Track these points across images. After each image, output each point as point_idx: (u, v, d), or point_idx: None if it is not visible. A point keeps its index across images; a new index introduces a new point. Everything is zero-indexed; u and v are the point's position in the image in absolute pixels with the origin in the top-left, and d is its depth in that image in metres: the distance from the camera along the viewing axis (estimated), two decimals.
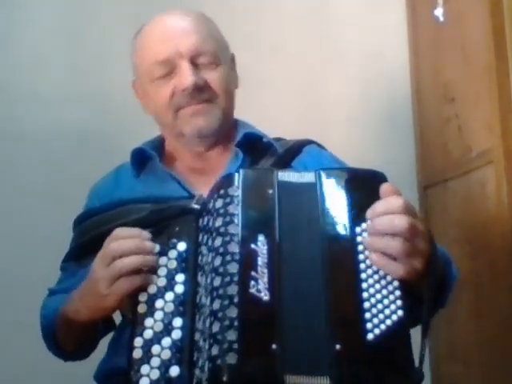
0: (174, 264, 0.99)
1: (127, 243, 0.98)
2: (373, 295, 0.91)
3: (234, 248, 0.91)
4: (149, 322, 0.95)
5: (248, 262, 0.90)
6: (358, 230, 0.95)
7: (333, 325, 0.88)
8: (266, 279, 0.89)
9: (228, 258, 0.91)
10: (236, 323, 0.86)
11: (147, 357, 0.92)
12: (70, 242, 1.25)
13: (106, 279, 0.98)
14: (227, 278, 0.89)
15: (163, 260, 0.99)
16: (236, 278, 0.89)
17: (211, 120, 1.21)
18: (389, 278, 0.92)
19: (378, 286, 0.92)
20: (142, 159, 1.28)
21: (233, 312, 0.87)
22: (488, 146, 1.67)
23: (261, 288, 0.88)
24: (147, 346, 0.93)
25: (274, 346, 0.85)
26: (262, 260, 0.90)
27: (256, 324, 0.87)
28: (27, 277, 1.73)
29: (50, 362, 1.26)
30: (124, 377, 0.93)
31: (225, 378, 0.83)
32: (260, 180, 0.99)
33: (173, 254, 1.00)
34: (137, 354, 0.93)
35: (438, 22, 1.88)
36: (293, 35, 2.00)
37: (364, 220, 0.95)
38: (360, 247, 0.94)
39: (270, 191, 0.97)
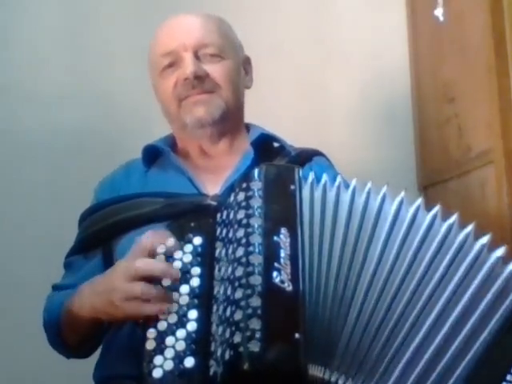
0: (189, 258, 0.99)
1: (155, 266, 0.98)
2: None
3: (257, 239, 0.92)
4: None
5: (271, 253, 0.91)
6: None
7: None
8: (289, 270, 0.89)
9: (251, 248, 0.91)
10: (259, 312, 0.86)
11: (161, 348, 0.92)
12: (76, 236, 1.24)
13: (122, 293, 0.98)
14: (250, 268, 0.89)
15: (178, 254, 0.99)
16: (259, 269, 0.89)
17: (212, 110, 1.23)
18: None
19: None
20: (152, 155, 1.29)
21: (256, 301, 0.86)
22: (488, 145, 1.67)
23: (284, 279, 0.88)
24: (161, 337, 0.93)
25: (297, 336, 0.85)
26: (284, 252, 0.91)
27: (279, 313, 0.87)
28: (26, 277, 1.73)
29: (50, 362, 1.26)
30: (126, 380, 0.93)
31: (245, 367, 0.82)
32: (282, 175, 1.00)
33: (188, 248, 1.00)
34: (150, 344, 0.92)
35: (438, 21, 1.87)
36: (293, 35, 1.99)
37: None
38: None
39: (292, 187, 0.98)
